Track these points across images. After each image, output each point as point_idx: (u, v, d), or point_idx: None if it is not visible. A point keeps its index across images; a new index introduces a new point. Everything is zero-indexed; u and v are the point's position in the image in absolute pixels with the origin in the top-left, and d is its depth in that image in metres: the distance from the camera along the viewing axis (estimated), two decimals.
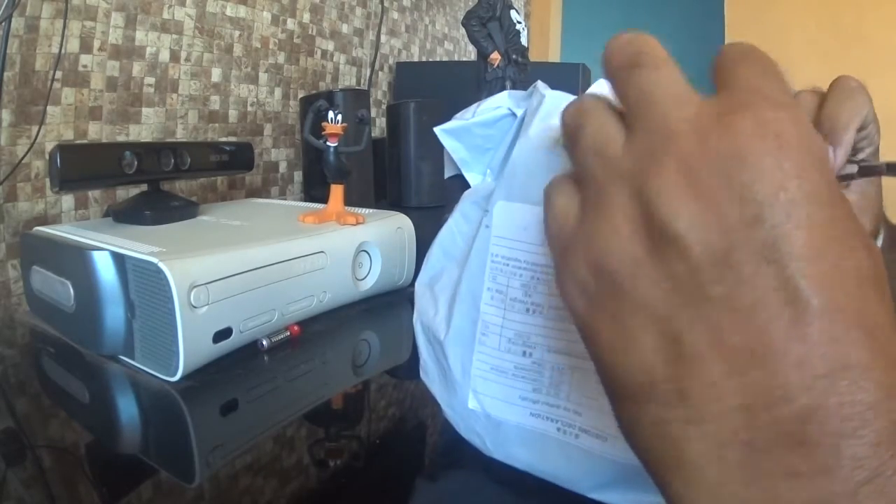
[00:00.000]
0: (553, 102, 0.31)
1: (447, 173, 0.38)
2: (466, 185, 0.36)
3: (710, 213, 0.15)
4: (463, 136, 0.34)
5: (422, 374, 0.35)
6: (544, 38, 2.16)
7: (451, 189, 0.38)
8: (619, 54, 0.18)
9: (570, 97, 0.30)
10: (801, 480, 0.14)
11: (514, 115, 0.33)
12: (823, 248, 0.14)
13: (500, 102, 0.33)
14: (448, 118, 0.35)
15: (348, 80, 1.17)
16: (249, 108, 0.92)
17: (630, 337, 0.16)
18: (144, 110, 0.76)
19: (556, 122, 0.29)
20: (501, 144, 0.34)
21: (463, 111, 0.35)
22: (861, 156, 0.25)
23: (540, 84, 0.32)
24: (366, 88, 1.17)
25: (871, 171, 0.20)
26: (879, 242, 0.27)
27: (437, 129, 0.34)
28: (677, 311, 0.15)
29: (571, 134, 0.19)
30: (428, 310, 0.34)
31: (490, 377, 0.30)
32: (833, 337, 0.14)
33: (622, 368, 0.16)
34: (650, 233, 0.15)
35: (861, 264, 0.15)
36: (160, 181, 0.60)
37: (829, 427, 0.13)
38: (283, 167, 1.00)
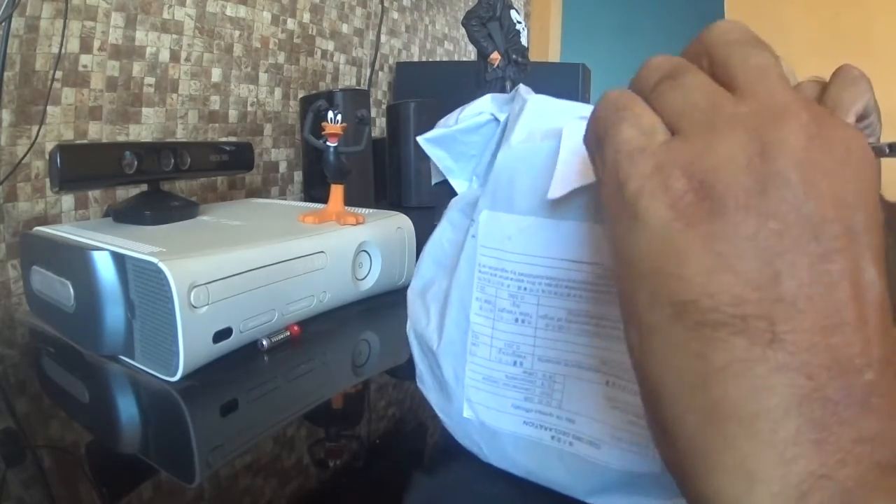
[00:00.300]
0: (536, 107, 0.30)
1: (434, 179, 0.38)
2: (454, 192, 0.36)
3: (827, 181, 0.16)
4: (447, 144, 0.34)
5: (418, 383, 0.35)
6: (544, 38, 2.16)
7: (439, 195, 0.38)
8: (735, 31, 0.19)
9: (553, 100, 0.31)
10: (867, 446, 0.14)
11: (497, 120, 0.32)
12: None
13: (483, 107, 0.33)
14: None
15: (348, 80, 1.17)
16: (249, 108, 0.92)
17: (724, 262, 0.16)
18: (144, 110, 0.76)
19: (538, 125, 0.29)
20: (486, 150, 0.33)
21: (446, 117, 0.35)
22: None
23: (522, 88, 0.32)
24: (366, 88, 1.17)
25: (875, 152, 0.21)
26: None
27: (420, 139, 0.35)
28: (781, 253, 0.15)
29: (669, 70, 0.19)
30: (420, 319, 0.34)
31: (483, 386, 0.30)
32: None
33: (708, 291, 0.16)
34: (767, 173, 0.16)
35: None
36: (160, 181, 0.60)
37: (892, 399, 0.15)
38: (283, 167, 1.00)
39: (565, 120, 0.27)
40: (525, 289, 0.28)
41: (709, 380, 0.15)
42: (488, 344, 0.30)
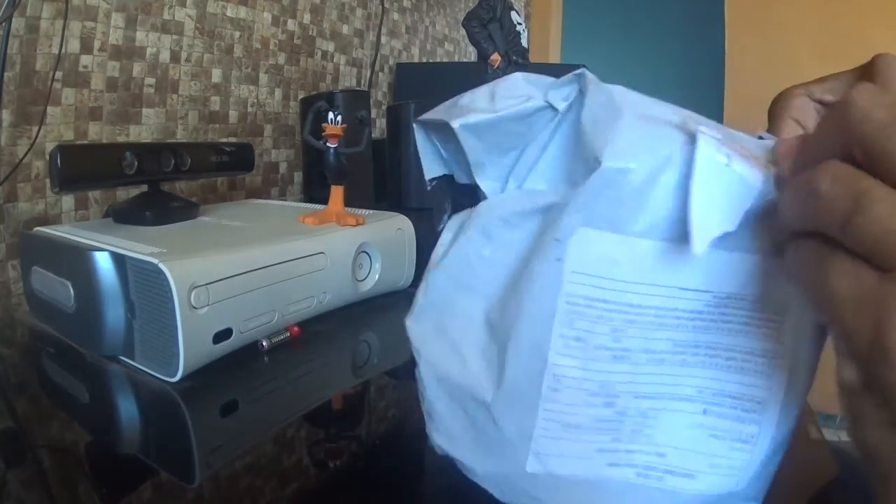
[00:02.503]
0: (623, 101, 0.25)
1: (430, 174, 0.32)
2: (454, 190, 0.31)
3: None
4: (486, 134, 0.27)
5: (438, 438, 0.29)
6: (544, 40, 2.16)
7: (437, 194, 0.33)
8: (881, 109, 0.17)
9: (619, 88, 0.26)
10: None
11: (552, 108, 0.27)
12: None
13: (525, 91, 0.27)
14: None
15: (348, 80, 1.17)
16: (250, 109, 0.92)
17: None
18: (145, 111, 0.76)
19: (641, 129, 0.24)
20: (533, 146, 0.28)
21: (454, 100, 0.29)
22: None
23: (588, 74, 0.26)
24: (366, 89, 1.17)
25: None
26: None
27: (457, 125, 0.27)
28: None
29: (850, 204, 0.17)
30: (447, 361, 0.28)
31: (561, 434, 0.26)
32: None
33: None
34: None
35: None
36: (160, 182, 0.60)
37: None
38: (283, 168, 1.00)
39: (668, 128, 0.23)
40: (631, 321, 0.24)
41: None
42: (575, 387, 0.25)
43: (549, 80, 0.28)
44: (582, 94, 0.26)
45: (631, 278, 0.24)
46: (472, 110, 0.27)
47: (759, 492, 0.27)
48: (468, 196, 0.30)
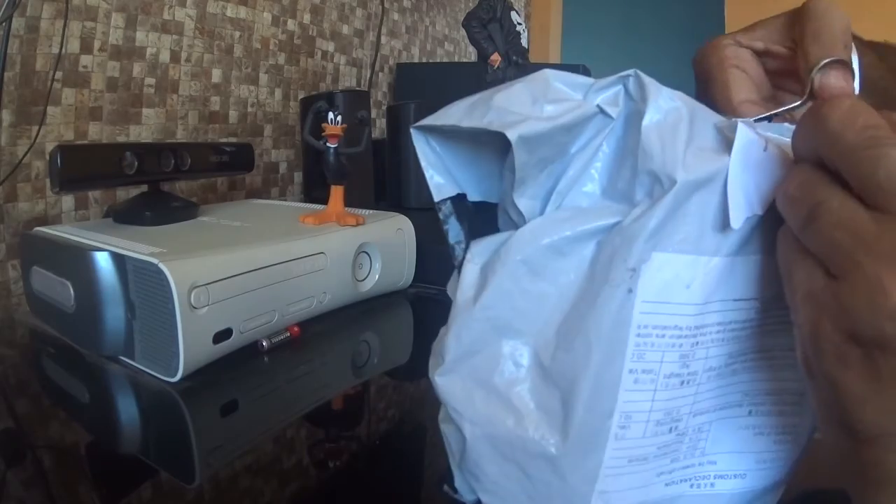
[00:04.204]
0: (662, 102, 0.23)
1: (439, 195, 0.27)
2: (467, 212, 0.27)
3: None
4: (539, 146, 0.23)
5: (485, 497, 0.26)
6: (544, 40, 2.16)
7: (446, 220, 0.27)
8: (851, 132, 0.18)
9: (679, 94, 0.23)
10: None
11: (606, 115, 0.24)
12: None
13: (565, 93, 0.24)
14: None
15: (348, 81, 1.17)
16: (250, 109, 0.92)
17: (881, 392, 0.17)
18: (145, 111, 0.76)
19: (705, 132, 0.22)
20: (578, 159, 0.24)
21: (478, 99, 0.25)
22: None
23: (644, 76, 0.24)
24: (366, 89, 1.17)
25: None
26: (855, 62, 0.26)
27: (515, 136, 0.23)
28: None
29: (807, 211, 0.19)
30: (496, 418, 0.24)
31: (626, 470, 0.24)
32: None
33: (864, 418, 0.18)
34: None
35: None
36: (160, 182, 0.60)
37: None
38: (283, 168, 1.00)
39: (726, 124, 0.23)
40: (697, 343, 0.23)
41: (866, 472, 0.18)
42: (644, 420, 0.23)
43: (585, 80, 0.25)
44: (630, 97, 0.24)
45: (700, 300, 0.22)
46: (520, 117, 0.23)
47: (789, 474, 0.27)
48: (482, 217, 0.27)
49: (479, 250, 0.26)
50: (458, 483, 0.28)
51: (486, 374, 0.25)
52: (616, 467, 0.23)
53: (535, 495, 0.25)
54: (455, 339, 0.25)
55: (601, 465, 0.23)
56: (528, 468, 0.24)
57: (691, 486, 0.25)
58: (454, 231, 0.27)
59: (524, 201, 0.25)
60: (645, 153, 0.22)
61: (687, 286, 0.22)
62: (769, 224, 0.22)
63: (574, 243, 0.23)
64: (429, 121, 0.26)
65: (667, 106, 0.23)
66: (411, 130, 0.27)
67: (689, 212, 0.21)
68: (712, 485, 0.26)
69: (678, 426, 0.24)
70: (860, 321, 0.17)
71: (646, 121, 0.23)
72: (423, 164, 0.27)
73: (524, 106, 0.24)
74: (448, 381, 0.26)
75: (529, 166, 0.24)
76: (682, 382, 0.23)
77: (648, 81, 0.23)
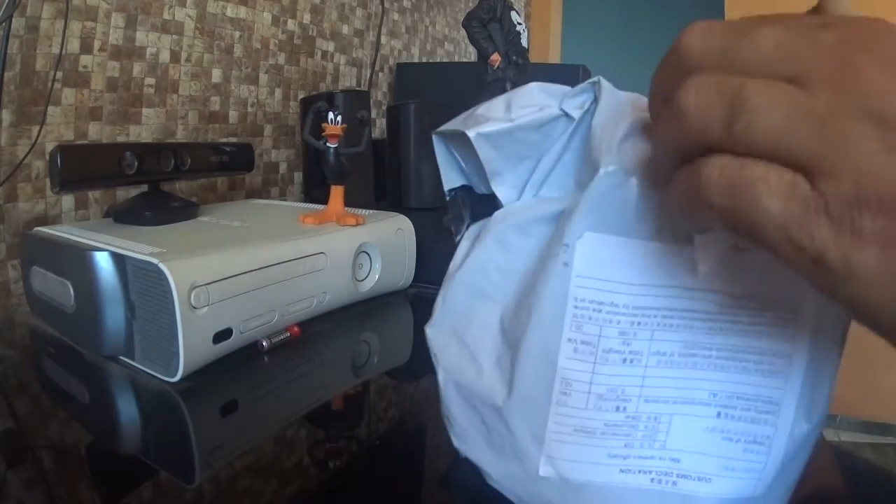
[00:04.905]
0: (610, 102, 0.26)
1: (449, 184, 0.32)
2: (472, 201, 0.31)
3: None
4: (502, 143, 0.28)
5: (456, 441, 0.30)
6: (545, 40, 2.16)
7: (440, 196, 0.33)
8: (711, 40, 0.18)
9: (632, 95, 0.26)
10: None
11: (568, 116, 0.27)
12: None
13: (539, 100, 0.28)
14: (448, 119, 0.31)
15: (348, 80, 1.17)
16: (250, 109, 0.92)
17: None
18: (145, 111, 0.76)
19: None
20: (549, 154, 0.28)
21: (471, 111, 0.30)
22: None
23: (604, 82, 0.27)
24: (366, 89, 1.17)
25: None
26: None
27: (473, 134, 0.28)
28: None
29: (725, 109, 0.16)
30: (463, 367, 0.29)
31: (572, 439, 0.26)
32: None
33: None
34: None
35: None
36: (160, 182, 0.60)
37: None
38: (283, 168, 1.00)
39: None
40: (639, 324, 0.24)
41: None
42: (585, 391, 0.25)
43: (565, 89, 0.28)
44: (596, 101, 0.27)
45: (638, 280, 0.24)
46: (488, 120, 0.28)
47: (779, 499, 0.27)
48: (486, 206, 0.31)
49: (472, 230, 0.31)
50: (450, 433, 0.31)
51: (461, 330, 0.29)
52: (561, 433, 0.26)
53: (491, 444, 0.28)
54: (442, 300, 0.30)
55: (545, 427, 0.26)
56: (483, 414, 0.28)
57: (652, 480, 0.26)
58: (457, 214, 0.32)
59: (503, 189, 0.29)
60: (592, 146, 0.25)
61: (622, 265, 0.24)
62: None
63: (535, 225, 0.27)
64: (441, 129, 0.31)
65: (610, 106, 0.26)
66: (432, 136, 0.31)
67: (623, 197, 0.23)
68: (675, 483, 0.26)
69: (626, 407, 0.25)
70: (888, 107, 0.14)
71: (595, 120, 0.26)
72: (439, 162, 0.32)
73: (498, 112, 0.28)
74: (434, 332, 0.31)
75: (500, 160, 0.28)
76: (624, 360, 0.25)
77: (605, 86, 0.27)
